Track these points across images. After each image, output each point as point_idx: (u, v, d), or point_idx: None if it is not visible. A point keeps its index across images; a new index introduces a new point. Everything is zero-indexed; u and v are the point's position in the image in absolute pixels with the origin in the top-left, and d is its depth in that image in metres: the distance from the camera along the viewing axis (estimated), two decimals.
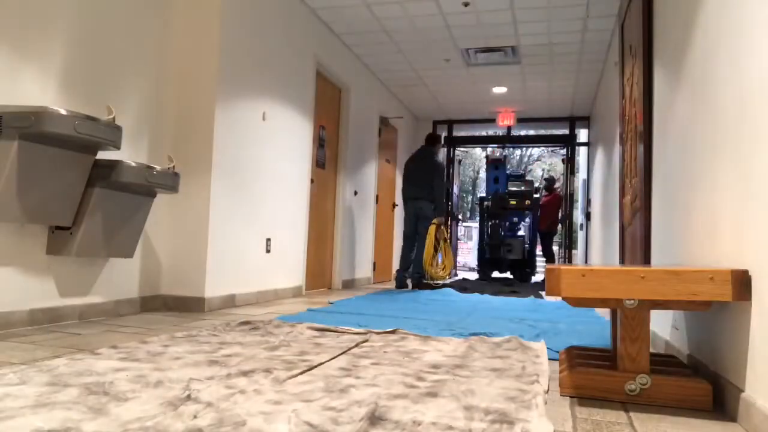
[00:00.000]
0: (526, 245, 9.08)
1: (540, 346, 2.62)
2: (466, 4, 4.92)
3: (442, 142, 7.86)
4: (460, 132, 9.73)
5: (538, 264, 9.31)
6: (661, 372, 1.87)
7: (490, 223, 9.00)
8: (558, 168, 22.68)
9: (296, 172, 4.87)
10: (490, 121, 9.14)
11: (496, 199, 8.78)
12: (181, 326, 2.95)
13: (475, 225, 17.82)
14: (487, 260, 8.97)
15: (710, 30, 2.05)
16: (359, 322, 3.36)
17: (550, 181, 9.77)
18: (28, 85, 2.67)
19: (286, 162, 4.67)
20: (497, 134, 9.96)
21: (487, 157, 9.35)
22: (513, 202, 8.67)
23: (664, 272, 1.73)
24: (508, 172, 9.59)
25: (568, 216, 9.21)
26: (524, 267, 8.93)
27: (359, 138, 6.47)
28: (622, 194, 4.01)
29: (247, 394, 1.63)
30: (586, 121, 8.72)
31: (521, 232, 9.67)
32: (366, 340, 2.69)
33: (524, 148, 23.60)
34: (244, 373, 1.88)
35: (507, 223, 9.31)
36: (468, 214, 23.34)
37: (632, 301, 1.81)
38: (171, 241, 3.65)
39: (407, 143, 8.83)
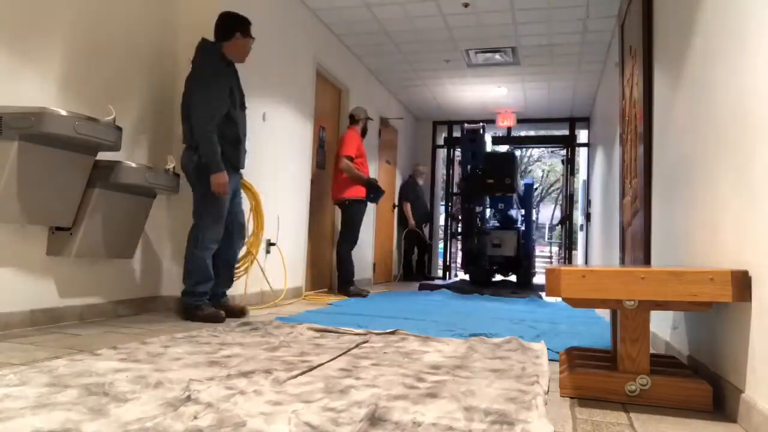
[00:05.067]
0: (521, 240, 7.50)
1: (540, 347, 2.62)
2: (466, 5, 4.92)
3: None
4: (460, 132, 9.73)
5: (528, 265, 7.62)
6: (662, 373, 1.86)
7: (465, 207, 7.04)
8: (558, 168, 22.69)
9: (296, 173, 4.87)
10: (490, 121, 9.15)
11: (469, 178, 6.88)
12: (181, 327, 2.95)
13: None
14: (474, 260, 7.20)
15: (710, 31, 2.05)
16: (359, 323, 3.35)
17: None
18: (29, 85, 2.67)
19: (286, 163, 4.67)
20: (497, 135, 9.82)
21: (462, 127, 7.13)
22: (490, 182, 6.77)
23: (665, 273, 1.73)
24: (492, 147, 7.80)
25: (568, 217, 9.17)
26: (519, 266, 7.38)
27: None
28: (622, 195, 4.01)
29: (247, 394, 1.63)
30: (586, 121, 8.72)
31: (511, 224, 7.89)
32: (366, 341, 2.69)
33: (524, 149, 23.61)
34: (244, 374, 1.88)
35: (494, 212, 7.77)
36: None
37: (632, 302, 1.81)
38: (171, 241, 3.65)
39: (407, 144, 8.83)
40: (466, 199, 6.98)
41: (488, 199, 7.42)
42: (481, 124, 7.01)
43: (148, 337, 2.56)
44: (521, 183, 7.88)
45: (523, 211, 8.02)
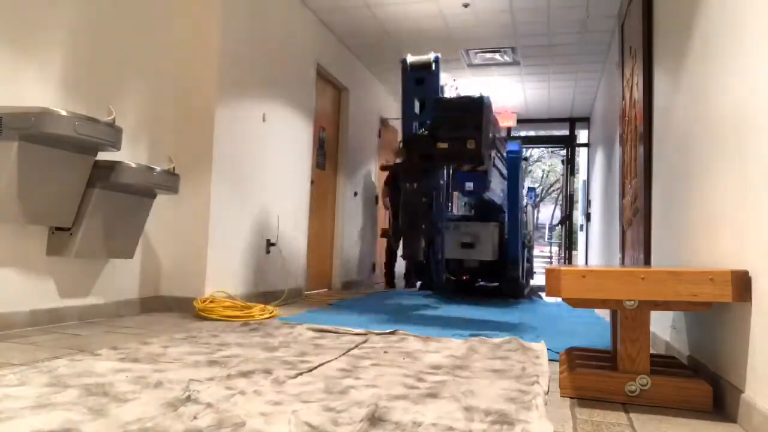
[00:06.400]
0: (505, 236, 5.45)
1: (540, 347, 2.62)
2: (466, 5, 4.92)
3: None
4: None
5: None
6: (662, 373, 1.86)
7: (406, 188, 4.19)
8: (558, 168, 22.69)
9: (296, 173, 4.87)
10: None
11: (411, 141, 4.25)
12: (181, 327, 2.95)
13: None
14: (423, 269, 5.06)
15: (710, 31, 2.05)
16: (359, 323, 3.35)
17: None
18: (29, 86, 2.67)
19: (286, 163, 4.67)
20: None
21: (404, 63, 4.46)
22: (442, 146, 3.99)
23: (665, 273, 1.73)
24: (455, 92, 5.07)
25: (568, 217, 9.16)
26: (502, 273, 5.46)
27: (359, 139, 6.47)
28: (622, 195, 4.01)
29: (247, 395, 1.63)
30: (586, 122, 8.73)
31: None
32: (366, 341, 2.69)
33: (524, 149, 23.59)
34: (244, 374, 1.88)
35: (463, 194, 5.33)
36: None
37: (632, 302, 1.81)
38: (171, 241, 3.64)
39: None
40: (405, 175, 4.29)
41: (451, 175, 5.00)
42: (435, 56, 4.50)
43: (148, 337, 2.56)
44: (502, 146, 5.40)
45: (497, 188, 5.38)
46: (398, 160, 4.41)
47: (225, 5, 3.74)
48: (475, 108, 4.04)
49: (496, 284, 5.67)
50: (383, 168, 5.53)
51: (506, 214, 5.63)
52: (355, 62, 6.37)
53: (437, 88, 4.47)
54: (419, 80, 4.46)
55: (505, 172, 5.59)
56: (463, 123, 4.01)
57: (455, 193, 6.56)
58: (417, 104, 4.47)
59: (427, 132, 4.14)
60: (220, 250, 3.74)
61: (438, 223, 4.51)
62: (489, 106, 4.10)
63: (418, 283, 6.18)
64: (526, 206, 6.15)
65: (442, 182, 4.68)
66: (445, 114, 4.09)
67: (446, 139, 4.04)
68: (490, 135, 4.29)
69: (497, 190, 5.37)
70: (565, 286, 1.79)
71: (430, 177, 4.35)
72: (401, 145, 4.40)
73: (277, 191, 4.52)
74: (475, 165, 4.22)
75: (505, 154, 5.58)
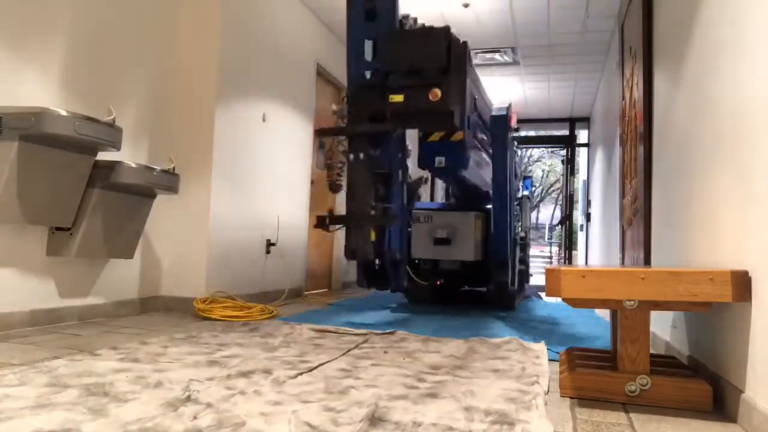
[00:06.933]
0: (492, 231, 4.30)
1: (540, 347, 2.62)
2: (466, 6, 4.92)
3: None
4: None
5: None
6: (662, 373, 1.86)
7: (350, 160, 3.29)
8: (558, 168, 22.69)
9: (296, 173, 4.87)
10: None
11: (356, 95, 3.30)
12: (181, 327, 2.95)
13: None
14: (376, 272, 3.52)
15: (709, 31, 2.05)
16: (359, 323, 3.35)
17: None
18: (29, 86, 2.67)
19: (286, 163, 4.67)
20: None
21: None
22: (397, 99, 2.93)
23: (664, 273, 1.73)
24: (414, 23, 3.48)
25: (568, 217, 9.15)
26: (489, 277, 4.28)
27: None
28: (622, 195, 4.01)
29: (247, 395, 1.63)
30: (585, 122, 8.73)
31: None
32: (366, 341, 2.69)
33: (524, 149, 23.61)
34: (244, 374, 1.88)
35: (442, 173, 3.95)
36: None
37: (632, 302, 1.81)
38: (171, 241, 3.64)
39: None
40: (349, 142, 3.30)
41: (419, 146, 3.81)
42: None
43: (148, 337, 2.56)
44: (484, 106, 4.13)
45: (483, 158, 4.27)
46: (341, 123, 3.34)
47: (225, 5, 3.74)
48: (439, 41, 2.87)
49: (484, 289, 4.52)
50: (318, 133, 3.90)
51: (492, 202, 4.41)
52: None
53: (394, 19, 3.20)
54: (370, 13, 3.24)
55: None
56: (422, 64, 2.88)
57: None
58: (369, 47, 3.27)
59: (377, 81, 3.03)
60: (220, 250, 3.74)
61: (395, 209, 3.28)
62: (463, 43, 3.05)
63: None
64: (520, 198, 5.10)
65: (408, 150, 3.54)
66: (400, 53, 2.96)
67: (401, 89, 2.94)
68: (469, 95, 3.10)
69: (485, 175, 4.28)
70: (565, 286, 1.79)
71: (384, 145, 3.24)
72: (344, 101, 3.32)
73: (277, 191, 4.52)
74: (446, 130, 3.17)
75: (487, 106, 4.23)
